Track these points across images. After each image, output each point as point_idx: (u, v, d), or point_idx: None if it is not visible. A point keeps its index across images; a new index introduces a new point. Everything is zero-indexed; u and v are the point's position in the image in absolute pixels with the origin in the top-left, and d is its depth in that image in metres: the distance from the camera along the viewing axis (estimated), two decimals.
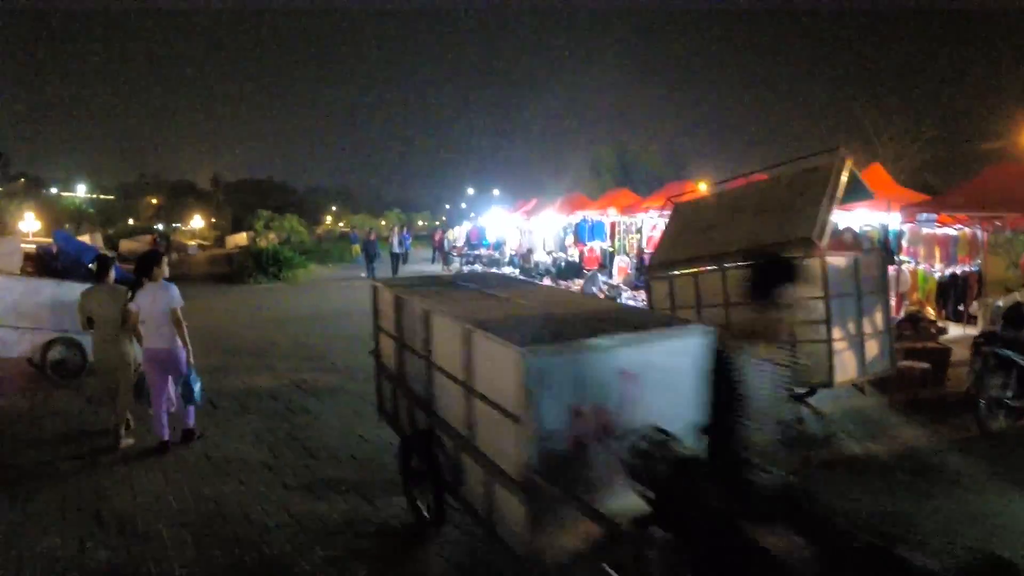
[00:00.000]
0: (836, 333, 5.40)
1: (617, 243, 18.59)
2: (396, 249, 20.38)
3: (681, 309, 6.52)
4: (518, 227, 24.59)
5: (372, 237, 20.51)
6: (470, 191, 70.72)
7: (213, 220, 62.36)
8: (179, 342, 5.02)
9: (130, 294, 5.03)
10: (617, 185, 42.25)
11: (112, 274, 5.43)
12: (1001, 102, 24.95)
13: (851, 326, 5.60)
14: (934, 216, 9.19)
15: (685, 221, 6.91)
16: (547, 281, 17.12)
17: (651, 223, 14.99)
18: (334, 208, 79.38)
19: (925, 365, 6.65)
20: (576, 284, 16.04)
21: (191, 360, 5.09)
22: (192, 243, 40.12)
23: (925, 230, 10.37)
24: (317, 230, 55.84)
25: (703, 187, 12.74)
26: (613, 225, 18.50)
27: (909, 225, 9.94)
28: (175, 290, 5.03)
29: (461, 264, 25.17)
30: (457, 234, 31.01)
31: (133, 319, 5.02)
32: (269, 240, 29.42)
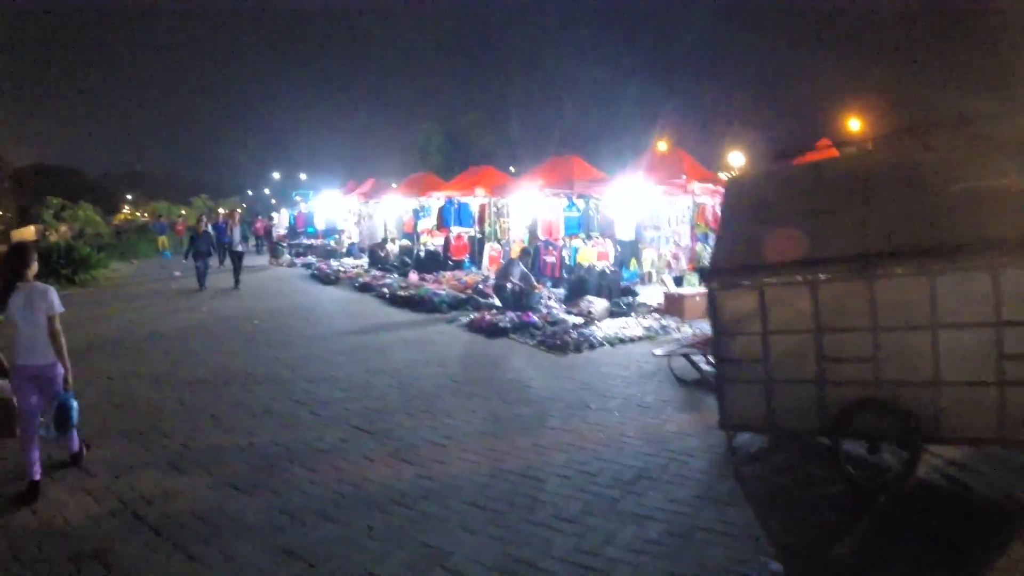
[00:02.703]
0: None
1: (488, 228, 16.15)
2: (239, 246, 14.60)
3: (781, 334, 4.29)
4: (356, 212, 20.76)
5: (204, 227, 14.49)
6: (275, 175, 64.14)
7: None
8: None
9: None
10: (447, 163, 39.89)
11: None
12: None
13: None
14: None
15: (759, 204, 4.65)
16: (413, 276, 14.03)
17: (546, 205, 12.77)
18: (129, 197, 68.33)
19: None
20: (446, 277, 13.23)
21: (69, 378, 4.13)
22: None
23: None
24: (114, 220, 46.63)
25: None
26: (483, 208, 15.99)
27: None
28: (54, 294, 4.09)
29: (292, 256, 20.68)
30: (278, 221, 25.83)
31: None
32: (61, 234, 23.48)
